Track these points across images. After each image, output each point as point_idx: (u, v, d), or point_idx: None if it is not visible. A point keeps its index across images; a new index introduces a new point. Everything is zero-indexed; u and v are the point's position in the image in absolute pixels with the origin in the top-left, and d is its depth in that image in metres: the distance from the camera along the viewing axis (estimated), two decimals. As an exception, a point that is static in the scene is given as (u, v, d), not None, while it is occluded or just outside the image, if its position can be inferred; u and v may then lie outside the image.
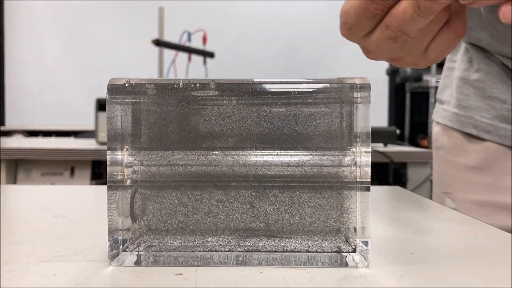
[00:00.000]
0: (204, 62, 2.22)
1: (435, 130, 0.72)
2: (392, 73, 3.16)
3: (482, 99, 0.63)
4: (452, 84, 0.68)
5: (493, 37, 0.59)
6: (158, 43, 2.00)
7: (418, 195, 0.62)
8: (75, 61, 3.17)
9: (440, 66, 3.11)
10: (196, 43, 2.21)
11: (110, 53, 3.15)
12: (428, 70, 3.05)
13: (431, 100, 2.97)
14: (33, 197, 0.58)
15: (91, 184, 1.85)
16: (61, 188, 0.69)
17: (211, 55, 2.22)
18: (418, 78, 3.14)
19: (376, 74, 3.16)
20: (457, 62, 0.68)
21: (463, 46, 0.68)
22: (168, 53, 2.14)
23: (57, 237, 0.37)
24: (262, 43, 3.12)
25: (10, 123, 3.15)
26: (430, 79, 3.02)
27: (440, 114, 0.70)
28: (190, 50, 2.14)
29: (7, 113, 3.18)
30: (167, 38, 2.10)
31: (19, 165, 1.87)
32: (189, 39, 2.17)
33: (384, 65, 3.20)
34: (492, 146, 0.62)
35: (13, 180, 1.83)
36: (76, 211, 0.50)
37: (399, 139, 2.07)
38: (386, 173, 1.53)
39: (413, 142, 3.05)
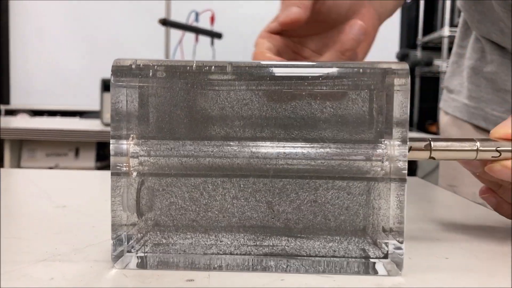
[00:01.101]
0: (212, 43, 2.18)
1: (443, 120, 0.68)
2: (402, 57, 3.09)
3: (494, 91, 0.59)
4: (463, 72, 0.64)
5: (504, 33, 0.55)
6: (165, 22, 1.95)
7: (439, 188, 0.59)
8: (81, 40, 3.12)
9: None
10: (204, 24, 2.16)
11: (116, 33, 3.10)
12: (439, 54, 2.98)
13: (441, 85, 2.92)
14: (34, 183, 0.55)
15: (96, 165, 1.83)
16: (65, 173, 0.66)
17: (219, 36, 2.17)
18: (429, 63, 3.07)
19: (386, 58, 3.10)
20: (468, 49, 0.64)
21: (473, 33, 0.63)
22: (175, 33, 2.10)
23: (57, 231, 0.35)
24: (270, 24, 3.06)
25: (15, 102, 3.12)
26: (441, 64, 2.96)
27: (449, 104, 0.66)
28: (197, 31, 2.09)
29: (12, 93, 3.15)
30: (174, 17, 2.05)
31: (23, 146, 1.85)
32: (196, 19, 2.12)
33: (394, 49, 3.13)
34: None
35: (17, 161, 1.82)
36: (78, 200, 0.47)
37: (409, 125, 2.02)
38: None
39: (421, 128, 3.00)
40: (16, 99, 3.15)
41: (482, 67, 0.61)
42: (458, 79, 0.66)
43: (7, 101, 3.10)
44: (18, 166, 1.81)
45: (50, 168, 1.77)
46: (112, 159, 0.27)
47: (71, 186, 0.55)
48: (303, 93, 0.27)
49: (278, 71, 0.27)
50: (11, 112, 2.89)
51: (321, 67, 0.27)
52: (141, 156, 0.28)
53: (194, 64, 0.27)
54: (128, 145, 0.28)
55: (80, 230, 0.35)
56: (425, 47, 3.18)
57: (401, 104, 0.26)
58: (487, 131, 0.60)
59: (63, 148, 1.80)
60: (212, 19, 2.18)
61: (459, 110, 0.64)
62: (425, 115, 3.10)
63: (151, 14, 2.41)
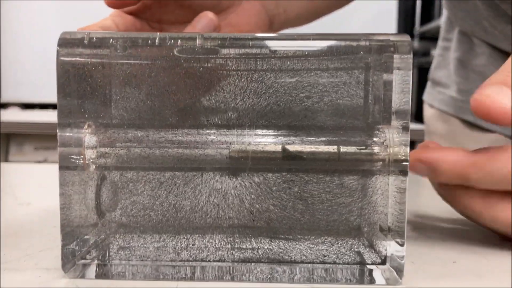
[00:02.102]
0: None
1: (428, 113, 0.65)
2: (399, 47, 3.04)
3: None
4: (449, 65, 0.61)
5: (487, 32, 0.52)
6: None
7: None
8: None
9: (450, 40, 3.01)
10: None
11: (107, 24, 3.04)
12: (435, 44, 2.94)
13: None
14: (3, 177, 0.51)
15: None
16: (39, 167, 0.62)
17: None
18: (426, 53, 3.03)
19: (382, 48, 3.03)
20: (453, 42, 0.61)
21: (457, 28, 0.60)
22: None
23: (13, 232, 0.31)
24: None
25: (6, 95, 3.07)
26: (439, 54, 2.92)
27: (435, 97, 0.63)
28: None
29: (3, 85, 3.09)
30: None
31: (11, 139, 1.80)
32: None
33: (391, 39, 3.09)
34: (493, 138, 0.55)
35: (5, 155, 1.77)
36: (47, 196, 0.42)
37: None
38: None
39: (419, 119, 2.97)
40: (7, 92, 3.09)
41: (471, 60, 0.58)
42: (443, 71, 0.63)
43: (-3, 94, 3.05)
44: (6, 160, 1.76)
45: (39, 162, 1.72)
46: (61, 150, 0.23)
47: (42, 181, 0.51)
48: (288, 72, 0.23)
49: (258, 45, 0.23)
50: (2, 106, 2.83)
51: (308, 39, 0.23)
52: (100, 146, 0.24)
53: (158, 37, 0.23)
54: (83, 134, 0.24)
55: (39, 232, 0.31)
56: (423, 37, 3.13)
57: (401, 85, 0.22)
58: (475, 126, 0.57)
59: (52, 141, 1.76)
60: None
61: (445, 103, 0.61)
62: (422, 106, 3.07)
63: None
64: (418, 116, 3.00)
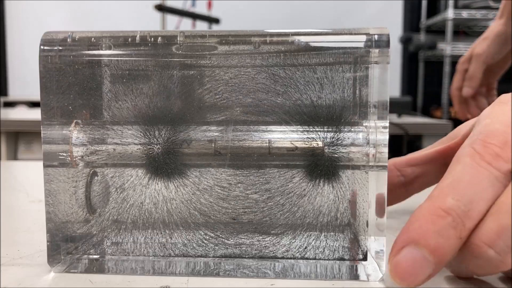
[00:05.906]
0: (209, 29, 2.13)
1: None
2: (406, 41, 3.02)
3: None
4: None
5: None
6: (161, 8, 1.91)
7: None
8: (77, 28, 3.08)
9: (457, 33, 2.96)
10: (201, 9, 2.12)
11: (111, 19, 3.05)
12: (442, 37, 2.91)
13: (445, 69, 2.85)
14: (14, 175, 0.52)
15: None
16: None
17: (216, 21, 2.12)
18: (432, 47, 3.00)
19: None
20: None
21: None
22: (172, 19, 2.05)
23: (25, 229, 0.31)
24: (269, 8, 3.00)
25: (13, 94, 3.09)
26: (445, 47, 2.89)
27: None
28: (194, 16, 2.04)
29: (10, 84, 3.12)
30: (171, 3, 2.00)
31: (19, 137, 1.82)
32: (193, 5, 2.07)
33: (397, 32, 3.07)
34: None
35: (14, 153, 1.79)
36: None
37: (412, 109, 1.97)
38: (400, 145, 1.45)
39: (426, 113, 2.95)
40: (15, 91, 3.12)
41: None
42: None
43: (5, 93, 3.08)
44: (15, 158, 1.78)
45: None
46: (46, 147, 0.24)
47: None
48: (266, 68, 0.24)
49: (235, 41, 0.23)
50: (10, 104, 2.86)
51: (286, 35, 0.23)
52: (88, 144, 0.24)
53: (138, 35, 0.23)
54: (70, 131, 0.24)
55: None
56: (429, 30, 3.10)
57: (381, 78, 0.22)
58: None
59: (58, 139, 1.77)
60: (210, 4, 2.13)
61: None
62: (429, 100, 3.04)
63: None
64: (425, 110, 2.99)
